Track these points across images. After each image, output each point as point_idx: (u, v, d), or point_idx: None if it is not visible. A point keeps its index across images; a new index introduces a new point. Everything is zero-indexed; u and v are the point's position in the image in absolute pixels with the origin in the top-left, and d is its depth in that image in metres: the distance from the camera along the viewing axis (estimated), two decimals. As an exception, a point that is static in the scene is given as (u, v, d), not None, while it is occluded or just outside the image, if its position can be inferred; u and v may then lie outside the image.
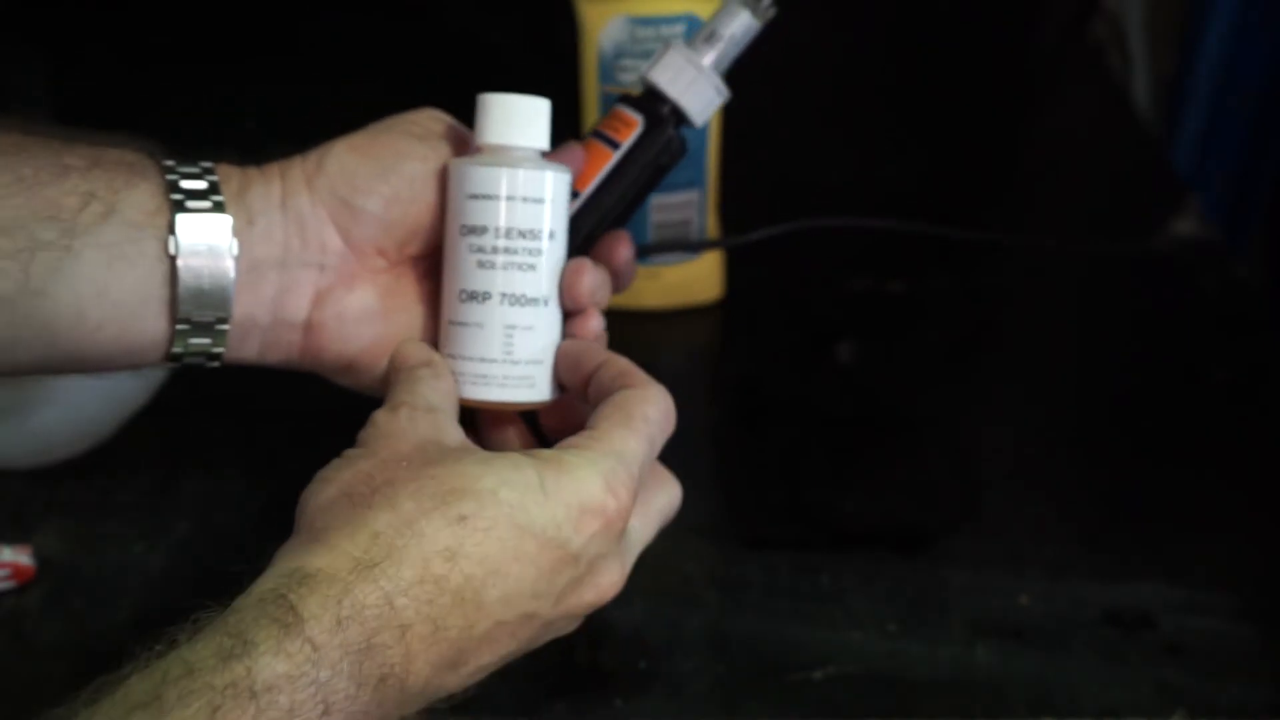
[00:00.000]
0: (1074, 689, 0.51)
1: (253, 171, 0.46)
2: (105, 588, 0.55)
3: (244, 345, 0.45)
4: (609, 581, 0.43)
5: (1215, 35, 1.13)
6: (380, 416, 0.43)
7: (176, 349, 0.44)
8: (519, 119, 0.45)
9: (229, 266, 0.43)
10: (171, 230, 0.42)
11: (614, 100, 0.51)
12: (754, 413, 0.66)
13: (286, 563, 0.38)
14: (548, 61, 0.96)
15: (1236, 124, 1.17)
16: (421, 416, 0.43)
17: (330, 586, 0.37)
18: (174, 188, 0.43)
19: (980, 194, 0.64)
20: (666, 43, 0.50)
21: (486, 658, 0.40)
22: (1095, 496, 0.61)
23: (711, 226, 0.72)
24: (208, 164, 0.44)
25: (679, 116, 0.50)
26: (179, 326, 0.43)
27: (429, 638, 0.38)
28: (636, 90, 0.50)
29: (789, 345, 0.71)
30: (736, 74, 0.69)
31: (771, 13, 0.50)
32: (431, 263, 0.47)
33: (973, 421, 0.65)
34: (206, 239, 0.43)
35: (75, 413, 0.58)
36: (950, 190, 0.77)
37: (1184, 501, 0.61)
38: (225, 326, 0.44)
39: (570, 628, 0.43)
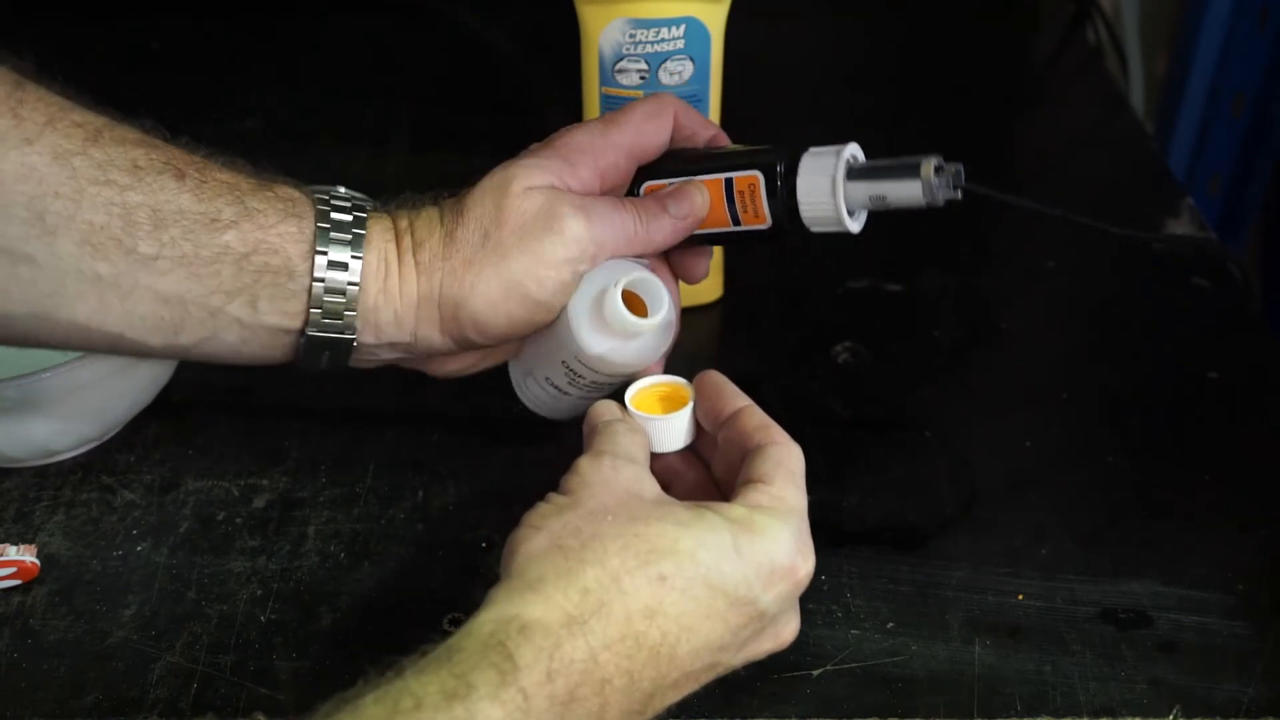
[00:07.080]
0: (1070, 687, 0.51)
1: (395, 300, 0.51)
2: (109, 586, 0.56)
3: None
4: (789, 631, 0.47)
5: (1209, 37, 1.14)
6: (584, 464, 0.46)
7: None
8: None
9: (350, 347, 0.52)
10: (303, 333, 0.51)
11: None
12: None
13: (504, 608, 0.41)
14: (548, 63, 0.97)
15: (1230, 125, 1.18)
16: (623, 466, 0.46)
17: (544, 638, 0.40)
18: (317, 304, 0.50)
19: (977, 194, 0.64)
20: (838, 153, 0.51)
21: (671, 699, 0.44)
22: (1091, 495, 0.61)
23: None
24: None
25: (798, 222, 0.53)
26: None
27: (625, 689, 0.41)
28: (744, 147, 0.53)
29: (789, 345, 0.71)
30: (736, 73, 0.69)
31: (948, 198, 0.51)
32: None
33: (970, 421, 0.66)
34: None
35: (79, 411, 0.59)
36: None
37: (1180, 500, 0.61)
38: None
39: (743, 666, 0.47)
